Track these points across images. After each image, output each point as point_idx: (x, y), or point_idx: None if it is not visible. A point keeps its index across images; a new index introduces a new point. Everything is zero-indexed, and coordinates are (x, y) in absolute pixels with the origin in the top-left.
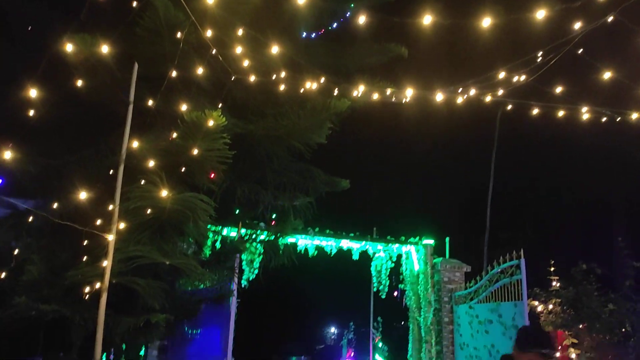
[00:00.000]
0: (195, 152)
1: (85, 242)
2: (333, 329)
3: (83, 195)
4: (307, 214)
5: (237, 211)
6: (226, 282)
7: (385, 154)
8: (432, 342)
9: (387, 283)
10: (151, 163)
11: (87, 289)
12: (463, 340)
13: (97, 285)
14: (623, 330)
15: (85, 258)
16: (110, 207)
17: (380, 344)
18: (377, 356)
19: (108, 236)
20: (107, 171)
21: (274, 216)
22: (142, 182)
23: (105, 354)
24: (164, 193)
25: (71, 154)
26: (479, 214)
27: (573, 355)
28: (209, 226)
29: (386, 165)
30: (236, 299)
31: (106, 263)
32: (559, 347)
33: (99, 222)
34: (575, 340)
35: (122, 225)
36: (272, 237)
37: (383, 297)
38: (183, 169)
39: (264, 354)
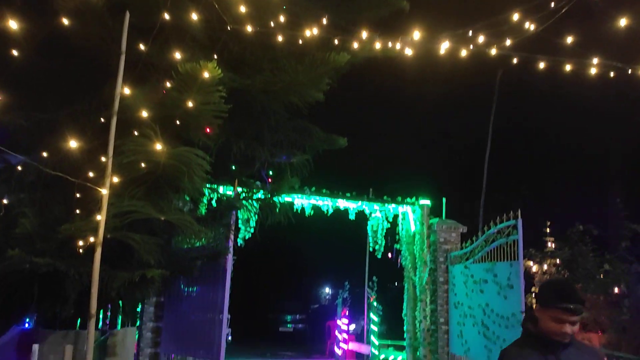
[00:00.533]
0: (190, 104)
1: (79, 196)
2: (327, 290)
3: (75, 147)
4: (304, 171)
5: (233, 168)
6: (222, 239)
7: (383, 113)
8: (426, 301)
9: (383, 243)
10: (145, 115)
11: (81, 243)
12: (457, 299)
13: (91, 239)
14: (617, 290)
15: (78, 212)
16: (103, 159)
17: (375, 303)
18: (371, 315)
19: (102, 190)
20: (100, 125)
21: (270, 173)
22: (136, 134)
23: (102, 309)
24: (159, 147)
25: (64, 107)
26: (476, 175)
27: None
28: (205, 184)
29: (384, 125)
30: (232, 256)
31: (100, 217)
32: None
33: (92, 176)
34: None
35: (115, 179)
36: (269, 195)
37: (379, 256)
38: (178, 122)
39: (259, 312)
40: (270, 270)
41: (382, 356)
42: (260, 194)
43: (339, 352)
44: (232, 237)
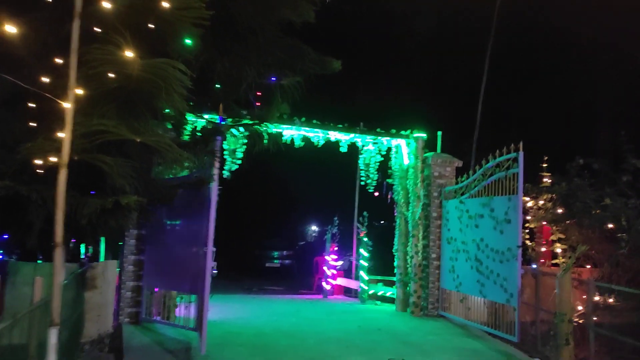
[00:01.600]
0: (165, 5)
1: (42, 114)
2: (314, 227)
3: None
4: (296, 94)
5: (218, 87)
6: (206, 167)
7: (378, 42)
8: (419, 237)
9: (376, 177)
10: (112, 19)
11: (43, 164)
12: (451, 234)
13: (55, 160)
14: (614, 225)
15: (41, 131)
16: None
17: (365, 239)
18: (361, 250)
19: (64, 104)
20: (63, 35)
21: (259, 95)
22: (102, 42)
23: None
24: (129, 54)
25: (22, 16)
26: (474, 111)
27: (558, 250)
28: (185, 104)
29: (379, 54)
30: (217, 185)
31: (64, 135)
32: (545, 242)
33: (55, 90)
34: (562, 235)
35: (80, 92)
36: (257, 122)
37: (371, 190)
38: (151, 27)
39: (246, 247)
40: (258, 206)
41: (371, 291)
42: (247, 121)
43: (327, 287)
44: (217, 165)
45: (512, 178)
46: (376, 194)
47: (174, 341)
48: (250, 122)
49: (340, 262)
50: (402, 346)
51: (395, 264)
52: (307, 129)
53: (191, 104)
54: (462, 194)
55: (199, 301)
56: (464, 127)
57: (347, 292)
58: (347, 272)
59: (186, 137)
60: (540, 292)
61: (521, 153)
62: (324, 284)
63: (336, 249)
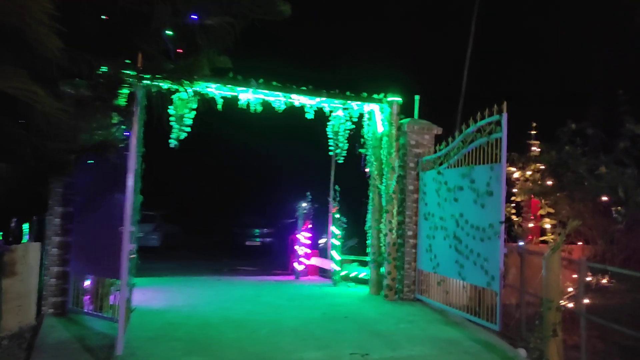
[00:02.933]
0: None
1: None
2: (305, 204)
3: None
4: (227, 40)
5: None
6: (117, 129)
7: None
8: (393, 212)
9: (346, 146)
10: None
11: None
12: (428, 209)
13: None
14: (609, 198)
15: None
16: None
17: (337, 215)
18: (332, 228)
19: None
20: None
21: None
22: None
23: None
24: None
25: None
26: (456, 73)
27: (547, 226)
28: (54, 36)
29: (352, 12)
30: (136, 152)
31: None
32: (532, 217)
33: None
34: (551, 210)
35: None
36: (181, 75)
37: (340, 161)
38: None
39: (224, 225)
40: (238, 181)
41: (344, 272)
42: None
43: (299, 268)
44: (135, 126)
45: (494, 144)
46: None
47: (100, 336)
48: (173, 76)
49: (323, 240)
50: (369, 337)
51: (368, 242)
52: (265, 91)
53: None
54: (441, 164)
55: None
56: (447, 92)
57: (323, 272)
58: (324, 251)
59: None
60: (526, 273)
61: (505, 115)
62: (295, 264)
63: (310, 226)
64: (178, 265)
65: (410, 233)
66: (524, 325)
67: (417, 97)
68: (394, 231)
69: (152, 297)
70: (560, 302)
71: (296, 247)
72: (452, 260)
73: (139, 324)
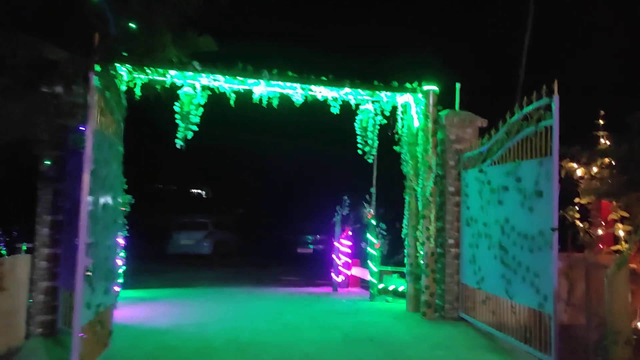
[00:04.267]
0: None
1: None
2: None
3: None
4: (186, 8)
5: None
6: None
7: None
8: (431, 218)
9: (376, 144)
10: None
11: None
12: (471, 214)
13: None
14: None
15: None
16: None
17: (373, 221)
18: (368, 235)
19: None
20: None
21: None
22: None
23: None
24: None
25: None
26: (508, 57)
27: (621, 233)
28: None
29: None
30: (91, 152)
31: None
32: (603, 222)
33: None
34: (625, 214)
35: None
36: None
37: (370, 161)
38: None
39: (275, 233)
40: (289, 186)
41: (381, 285)
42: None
43: (337, 279)
44: (92, 121)
45: (544, 134)
46: None
47: None
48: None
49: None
50: None
51: (405, 252)
52: (280, 83)
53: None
54: (484, 161)
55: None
56: (493, 79)
57: (365, 284)
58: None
59: None
60: (593, 289)
61: (556, 98)
62: (333, 274)
63: (350, 233)
64: (221, 274)
65: (451, 241)
66: (591, 354)
67: (457, 85)
68: (432, 239)
69: (162, 312)
70: (632, 327)
71: (334, 256)
72: (497, 274)
73: (128, 347)
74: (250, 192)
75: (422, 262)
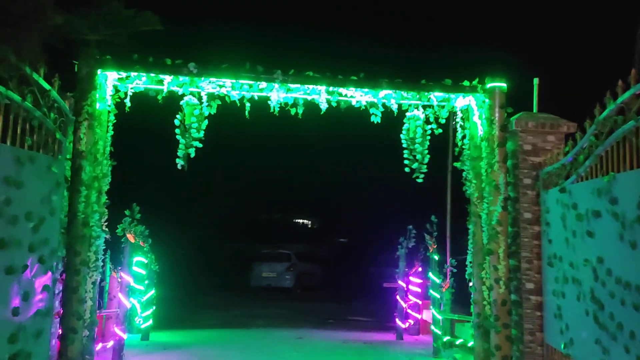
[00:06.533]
0: None
1: None
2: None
3: None
4: None
5: None
6: None
7: None
8: (499, 254)
9: (427, 159)
10: None
11: None
12: (554, 250)
13: None
14: None
15: None
16: None
17: (435, 256)
18: (430, 275)
19: None
20: None
21: None
22: None
23: None
24: None
25: None
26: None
27: None
28: None
29: None
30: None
31: None
32: None
33: None
34: None
35: None
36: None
37: (420, 181)
38: None
39: (362, 266)
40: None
41: (446, 338)
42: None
43: (403, 325)
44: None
45: None
46: None
47: None
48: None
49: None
50: None
51: (472, 298)
52: (297, 86)
53: None
54: (567, 177)
55: None
56: (578, 75)
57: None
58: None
59: None
60: None
61: None
62: (397, 320)
63: (420, 269)
64: (289, 311)
65: (530, 286)
66: None
67: (535, 80)
68: (502, 282)
69: None
70: None
71: (398, 297)
72: (590, 337)
73: None
74: (354, 222)
75: (490, 312)
